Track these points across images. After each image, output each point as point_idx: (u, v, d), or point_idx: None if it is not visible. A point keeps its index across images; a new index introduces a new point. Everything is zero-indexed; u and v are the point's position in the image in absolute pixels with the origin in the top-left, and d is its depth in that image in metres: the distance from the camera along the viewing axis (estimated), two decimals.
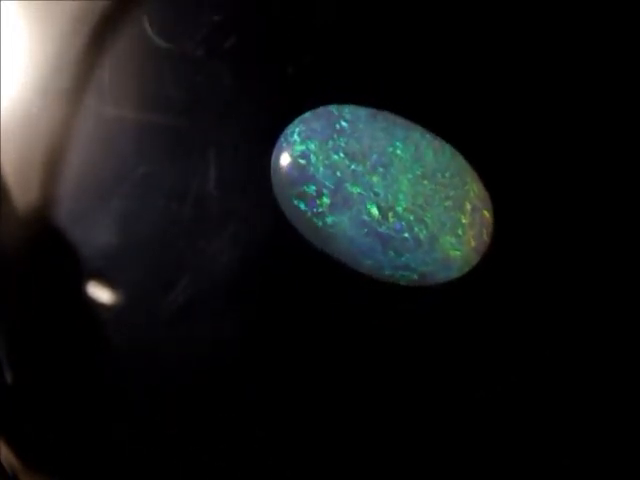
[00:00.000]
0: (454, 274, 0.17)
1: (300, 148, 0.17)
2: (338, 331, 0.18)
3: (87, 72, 0.20)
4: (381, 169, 0.17)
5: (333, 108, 0.18)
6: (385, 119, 0.17)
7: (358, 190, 0.17)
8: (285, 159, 0.17)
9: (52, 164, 0.20)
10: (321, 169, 0.17)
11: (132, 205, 0.20)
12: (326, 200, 0.17)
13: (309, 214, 0.17)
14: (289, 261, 0.19)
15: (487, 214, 0.17)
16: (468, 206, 0.17)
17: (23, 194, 0.20)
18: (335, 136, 0.17)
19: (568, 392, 0.17)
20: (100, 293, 0.19)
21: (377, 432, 0.18)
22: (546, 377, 0.17)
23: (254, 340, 0.19)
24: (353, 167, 0.17)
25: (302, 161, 0.17)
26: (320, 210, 0.17)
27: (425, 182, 0.17)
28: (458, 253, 0.17)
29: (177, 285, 0.19)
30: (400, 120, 0.18)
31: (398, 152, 0.17)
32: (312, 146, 0.17)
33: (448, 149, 0.17)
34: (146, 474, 0.19)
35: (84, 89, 0.20)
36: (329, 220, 0.17)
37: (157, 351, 0.19)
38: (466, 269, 0.17)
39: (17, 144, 0.20)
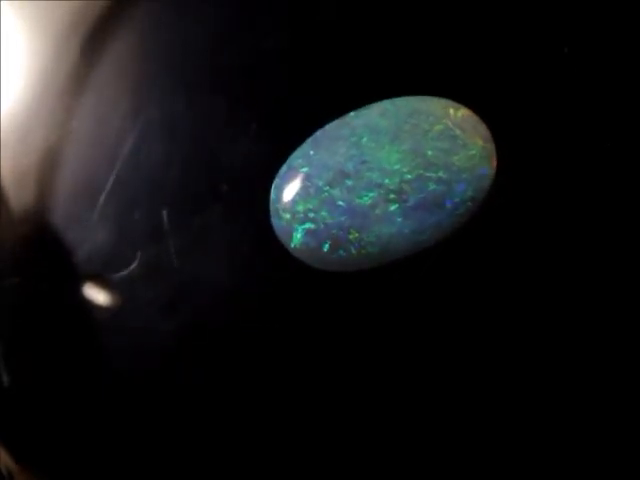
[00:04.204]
0: (490, 172, 0.17)
1: (299, 217, 0.17)
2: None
3: (85, 73, 0.20)
4: (363, 166, 0.17)
5: (283, 167, 0.18)
6: (324, 134, 0.18)
7: (366, 197, 0.17)
8: (297, 238, 0.17)
9: (49, 166, 0.20)
10: (325, 214, 0.17)
11: (129, 207, 0.19)
12: (353, 229, 0.17)
13: (354, 253, 0.17)
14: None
15: (463, 110, 0.17)
16: (446, 120, 0.17)
17: (20, 196, 0.20)
18: (307, 183, 0.17)
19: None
20: (96, 295, 0.19)
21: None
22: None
23: (253, 342, 0.19)
24: (344, 187, 0.17)
25: (310, 225, 0.17)
26: (357, 242, 0.17)
27: (400, 140, 0.17)
28: (477, 157, 0.17)
29: (174, 286, 0.19)
30: (333, 123, 0.18)
31: (361, 143, 0.17)
32: (300, 207, 0.17)
33: (386, 104, 0.17)
34: (143, 476, 0.19)
35: (82, 90, 0.20)
36: (370, 239, 0.17)
37: (155, 353, 0.19)
38: (494, 161, 0.17)
39: (15, 146, 0.20)
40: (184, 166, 0.19)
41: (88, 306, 0.19)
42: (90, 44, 0.20)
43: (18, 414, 0.20)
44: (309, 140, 0.17)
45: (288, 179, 0.17)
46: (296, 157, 0.18)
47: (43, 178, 0.20)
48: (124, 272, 0.19)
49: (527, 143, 0.18)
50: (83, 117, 0.20)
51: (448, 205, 0.17)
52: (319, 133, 0.17)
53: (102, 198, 0.19)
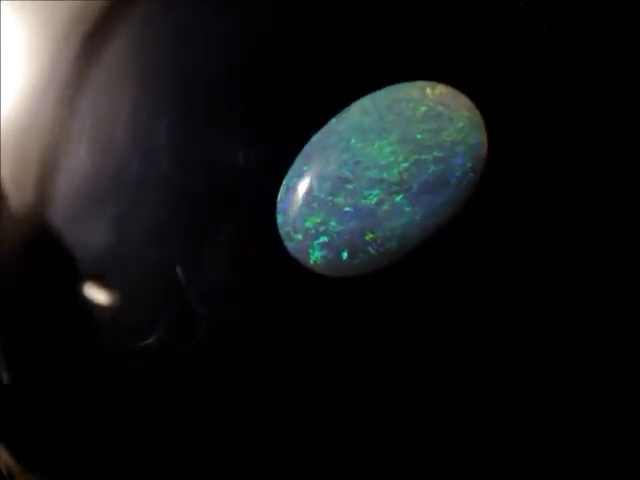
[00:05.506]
0: (482, 140, 0.17)
1: (311, 234, 0.17)
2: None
3: (85, 73, 0.20)
4: (358, 167, 0.17)
5: (282, 190, 0.18)
6: (312, 147, 0.18)
7: (371, 196, 0.17)
8: (314, 254, 0.17)
9: (49, 166, 0.20)
10: (335, 223, 0.17)
11: (128, 208, 0.19)
12: (367, 230, 0.17)
13: (373, 253, 0.17)
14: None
15: (439, 87, 0.17)
16: (426, 101, 0.17)
17: (20, 196, 0.20)
18: (309, 198, 0.17)
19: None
20: (96, 295, 0.19)
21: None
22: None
23: (255, 344, 0.18)
24: (346, 192, 0.17)
25: (324, 238, 0.17)
26: (374, 241, 0.17)
27: (388, 132, 0.17)
28: (466, 127, 0.17)
29: (173, 287, 0.19)
30: (318, 134, 0.18)
31: (350, 145, 0.17)
32: (309, 223, 0.17)
33: (364, 101, 0.18)
34: (143, 476, 0.19)
35: (82, 90, 0.20)
36: (386, 233, 0.17)
37: (154, 353, 0.19)
38: (483, 127, 0.17)
39: (15, 145, 0.20)
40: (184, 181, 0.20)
41: (88, 306, 0.19)
42: (90, 44, 0.20)
43: (18, 414, 0.19)
44: (299, 157, 0.17)
45: (290, 200, 0.17)
46: (291, 176, 0.18)
47: (43, 178, 0.20)
48: (148, 341, 0.19)
49: (505, 114, 0.18)
50: (83, 117, 0.20)
51: (452, 181, 0.17)
52: (307, 147, 0.18)
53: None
